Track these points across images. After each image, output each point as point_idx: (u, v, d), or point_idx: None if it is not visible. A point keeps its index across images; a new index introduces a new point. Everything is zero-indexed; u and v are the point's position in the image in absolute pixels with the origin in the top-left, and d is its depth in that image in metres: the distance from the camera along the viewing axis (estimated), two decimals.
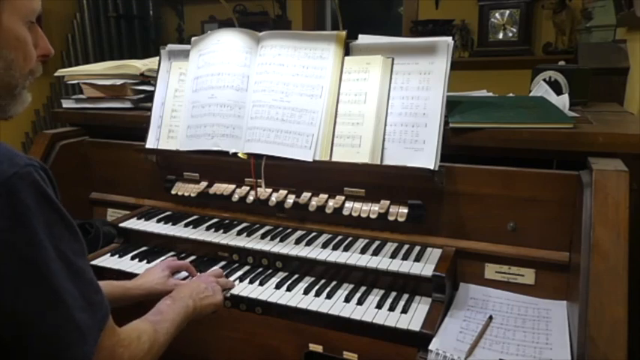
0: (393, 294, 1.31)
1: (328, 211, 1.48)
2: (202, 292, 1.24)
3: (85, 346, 0.81)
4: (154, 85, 1.74)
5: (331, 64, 1.46)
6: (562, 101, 1.57)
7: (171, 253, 1.59)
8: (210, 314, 1.25)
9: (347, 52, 1.48)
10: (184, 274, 1.44)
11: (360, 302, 1.28)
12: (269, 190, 1.56)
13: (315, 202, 1.50)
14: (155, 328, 1.01)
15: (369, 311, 1.24)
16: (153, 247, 1.64)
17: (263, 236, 1.51)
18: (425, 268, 1.29)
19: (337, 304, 1.28)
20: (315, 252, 1.41)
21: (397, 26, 4.80)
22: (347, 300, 1.29)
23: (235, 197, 1.61)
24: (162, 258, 1.54)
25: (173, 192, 1.72)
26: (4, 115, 0.91)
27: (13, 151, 0.78)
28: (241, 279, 1.41)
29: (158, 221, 1.66)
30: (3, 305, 0.75)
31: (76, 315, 0.80)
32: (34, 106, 4.36)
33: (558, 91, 1.69)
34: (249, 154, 1.51)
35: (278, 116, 1.49)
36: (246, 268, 1.48)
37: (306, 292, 1.34)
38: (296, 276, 1.43)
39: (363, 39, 1.48)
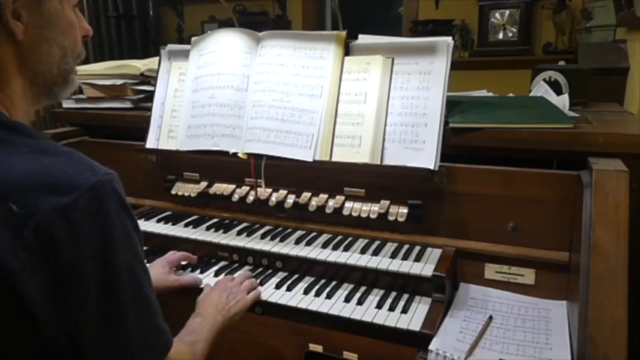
0: (393, 294, 1.31)
1: (328, 211, 1.48)
2: (226, 303, 1.23)
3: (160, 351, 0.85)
4: (154, 85, 1.74)
5: (331, 64, 1.46)
6: (562, 101, 1.57)
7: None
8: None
9: (347, 52, 1.48)
10: (190, 276, 1.43)
11: (360, 302, 1.28)
12: (269, 190, 1.56)
13: (315, 202, 1.50)
14: (193, 350, 1.04)
15: (369, 311, 1.24)
16: (153, 247, 1.64)
17: (263, 236, 1.51)
18: (425, 268, 1.29)
19: (337, 304, 1.28)
20: (315, 252, 1.41)
21: (397, 26, 4.81)
22: (347, 300, 1.29)
23: (235, 197, 1.61)
24: None
25: (173, 192, 1.72)
26: (55, 100, 0.92)
27: (91, 160, 0.81)
28: None
29: (158, 221, 1.66)
30: (78, 310, 0.75)
31: (156, 321, 0.85)
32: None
33: (558, 91, 1.69)
34: (249, 154, 1.51)
35: (278, 116, 1.49)
36: (246, 268, 1.48)
37: (306, 292, 1.34)
38: (296, 276, 1.43)
39: (363, 39, 1.48)
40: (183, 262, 1.49)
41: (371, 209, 1.44)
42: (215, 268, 1.48)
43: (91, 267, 0.75)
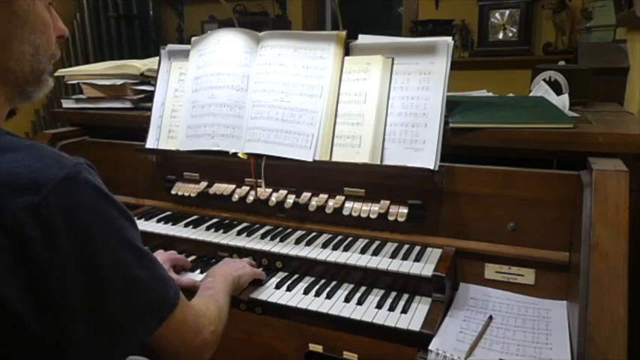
0: (393, 294, 1.31)
1: (328, 211, 1.48)
2: (232, 267, 1.30)
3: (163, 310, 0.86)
4: (154, 85, 1.74)
5: (331, 64, 1.46)
6: (562, 101, 1.57)
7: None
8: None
9: (347, 52, 1.48)
10: (188, 278, 1.42)
11: (360, 302, 1.28)
12: (269, 190, 1.56)
13: (315, 202, 1.50)
14: (215, 299, 1.08)
15: (369, 311, 1.24)
16: (153, 247, 1.63)
17: (263, 236, 1.51)
18: (425, 268, 1.29)
19: (337, 304, 1.28)
20: (315, 252, 1.41)
21: (397, 26, 4.81)
22: (347, 300, 1.29)
23: (235, 197, 1.61)
24: None
25: (173, 192, 1.72)
26: (29, 101, 0.91)
27: (59, 153, 0.79)
28: None
29: (158, 221, 1.66)
30: (70, 307, 0.75)
31: (152, 294, 0.85)
32: (33, 106, 4.35)
33: (558, 91, 1.69)
34: (249, 154, 1.51)
35: (278, 116, 1.49)
36: None
37: (306, 292, 1.34)
38: (296, 276, 1.43)
39: (363, 39, 1.48)
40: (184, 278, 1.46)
41: (371, 209, 1.44)
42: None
43: (70, 265, 0.74)
